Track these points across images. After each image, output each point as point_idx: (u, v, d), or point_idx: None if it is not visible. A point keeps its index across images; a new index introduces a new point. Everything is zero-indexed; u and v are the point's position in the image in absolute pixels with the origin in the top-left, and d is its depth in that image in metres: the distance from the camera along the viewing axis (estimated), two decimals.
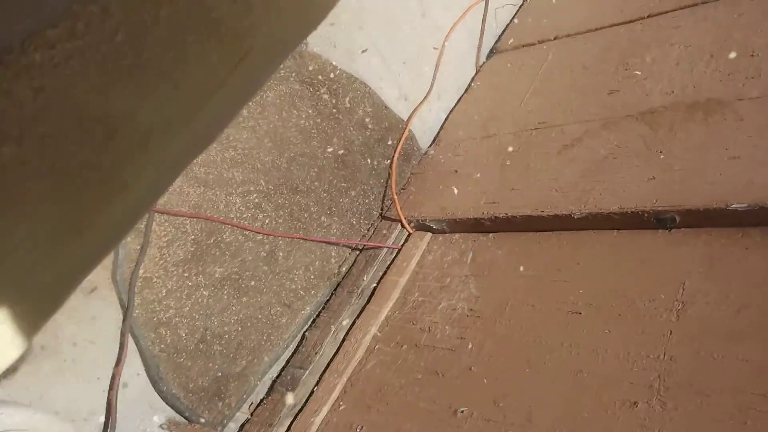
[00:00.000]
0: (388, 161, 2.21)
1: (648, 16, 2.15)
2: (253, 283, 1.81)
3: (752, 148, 1.54)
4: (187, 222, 1.69)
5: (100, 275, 1.61)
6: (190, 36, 0.79)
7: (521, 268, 1.72)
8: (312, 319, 1.92)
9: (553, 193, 1.81)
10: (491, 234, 1.90)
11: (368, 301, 1.92)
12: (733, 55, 1.79)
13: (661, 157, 1.67)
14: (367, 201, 2.13)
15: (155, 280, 1.66)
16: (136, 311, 1.59)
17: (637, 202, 1.60)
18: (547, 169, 1.89)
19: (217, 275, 1.75)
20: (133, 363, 1.61)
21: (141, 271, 1.63)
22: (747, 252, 1.41)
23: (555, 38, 2.35)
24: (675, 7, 2.11)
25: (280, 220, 1.89)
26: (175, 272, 1.68)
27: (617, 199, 1.65)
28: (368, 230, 2.11)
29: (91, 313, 1.57)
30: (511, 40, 2.53)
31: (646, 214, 1.57)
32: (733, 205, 1.43)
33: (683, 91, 1.80)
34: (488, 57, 2.62)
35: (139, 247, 1.60)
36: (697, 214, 1.49)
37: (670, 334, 1.33)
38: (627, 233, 1.62)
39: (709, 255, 1.45)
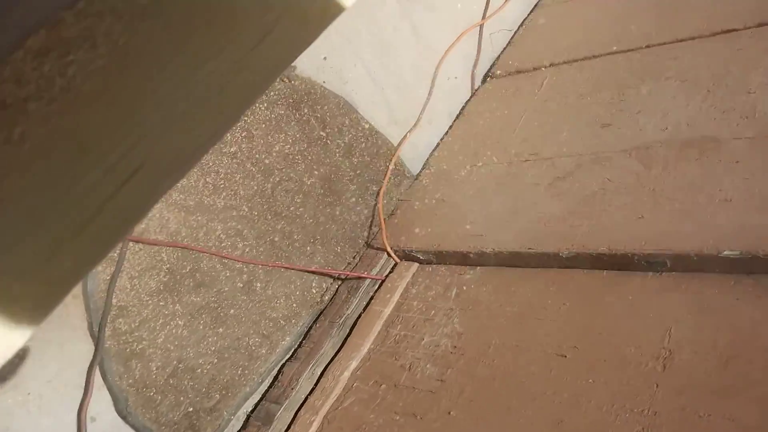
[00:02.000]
0: (376, 188, 2.16)
1: (646, 47, 2.11)
2: (232, 311, 1.76)
3: (746, 191, 1.49)
4: (163, 250, 1.64)
5: (70, 304, 1.56)
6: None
7: (507, 306, 1.67)
8: (291, 351, 1.87)
9: (542, 228, 1.76)
10: (478, 268, 1.84)
11: (350, 333, 1.86)
12: (729, 91, 1.75)
13: (653, 195, 1.62)
14: (353, 228, 2.08)
15: (130, 308, 1.61)
16: (108, 342, 1.54)
17: (626, 243, 1.55)
18: (537, 202, 1.85)
19: (194, 304, 1.70)
20: (102, 396, 1.56)
21: (114, 300, 1.58)
22: (738, 302, 1.35)
23: (550, 65, 2.31)
24: (673, 39, 2.07)
25: (261, 248, 1.84)
26: (150, 301, 1.63)
27: (606, 238, 1.60)
28: (353, 258, 2.06)
29: (59, 343, 1.52)
30: (506, 66, 2.49)
31: (635, 257, 1.52)
32: (725, 252, 1.38)
33: (678, 127, 1.76)
34: (483, 81, 2.58)
35: (109, 277, 1.55)
36: (688, 259, 1.44)
37: (656, 387, 1.28)
38: (616, 274, 1.57)
39: (698, 302, 1.40)
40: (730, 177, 1.54)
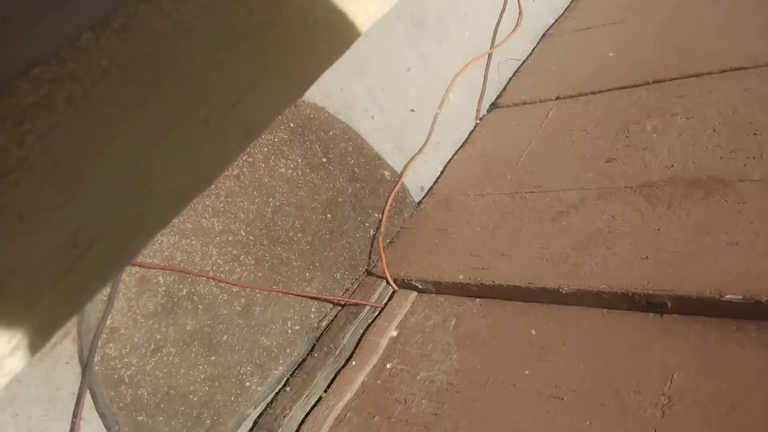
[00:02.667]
0: (378, 214, 2.15)
1: (652, 82, 2.10)
2: (225, 337, 1.73)
3: (752, 234, 1.47)
4: (159, 273, 1.63)
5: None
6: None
7: (506, 342, 1.64)
8: (285, 379, 1.84)
9: (544, 263, 1.73)
10: (477, 299, 1.82)
11: (345, 363, 1.84)
12: (735, 131, 1.73)
13: (657, 235, 1.59)
14: (353, 255, 2.06)
15: (123, 331, 1.59)
16: (96, 367, 1.52)
17: (628, 282, 1.52)
18: (539, 236, 1.82)
19: (188, 328, 1.68)
20: (92, 420, 1.53)
21: (108, 322, 1.56)
22: (741, 348, 1.32)
23: (557, 98, 2.30)
24: (680, 75, 2.06)
25: (260, 273, 1.82)
26: (144, 324, 1.61)
27: (608, 276, 1.58)
28: (352, 284, 2.04)
29: (49, 366, 1.50)
30: (513, 96, 2.49)
31: (636, 297, 1.49)
32: (728, 296, 1.36)
33: (683, 166, 1.74)
34: (489, 110, 2.57)
35: (105, 298, 1.54)
36: (690, 302, 1.41)
37: None
38: (617, 313, 1.54)
39: (700, 347, 1.37)
40: (736, 219, 1.52)
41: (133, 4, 0.58)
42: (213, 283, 1.72)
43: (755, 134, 1.71)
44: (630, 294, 1.50)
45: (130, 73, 0.54)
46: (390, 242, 2.16)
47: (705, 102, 1.92)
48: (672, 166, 1.76)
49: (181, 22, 0.69)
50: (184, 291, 1.67)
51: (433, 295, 1.92)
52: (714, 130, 1.79)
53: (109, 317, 1.54)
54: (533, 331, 1.63)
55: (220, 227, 1.78)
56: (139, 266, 1.60)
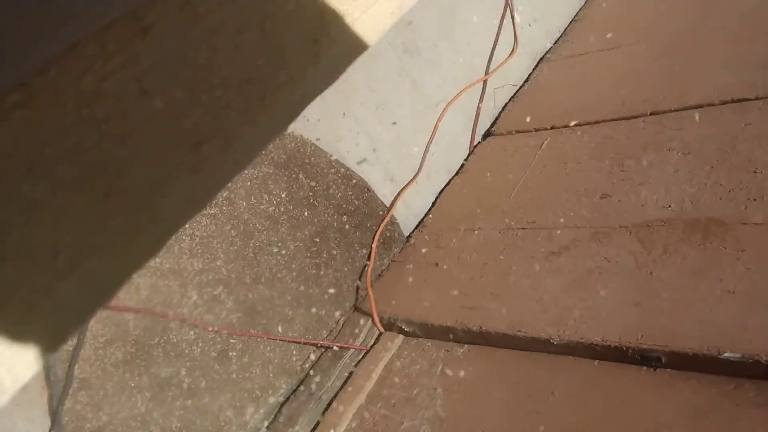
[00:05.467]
0: (366, 249, 2.08)
1: (650, 114, 2.03)
2: (203, 383, 1.67)
3: (750, 283, 1.39)
4: (131, 317, 1.57)
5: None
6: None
7: (493, 391, 1.57)
8: (267, 424, 1.77)
9: (534, 306, 1.66)
10: (465, 345, 1.75)
11: (328, 407, 1.77)
12: (734, 169, 1.66)
13: (651, 281, 1.52)
14: (339, 291, 2.00)
15: (93, 380, 1.53)
16: (65, 418, 1.46)
17: (620, 333, 1.45)
18: (530, 276, 1.75)
19: (162, 375, 1.61)
20: None
21: (77, 371, 1.50)
22: (737, 408, 1.24)
23: (552, 127, 2.23)
24: (679, 107, 1.99)
25: (239, 315, 1.76)
26: (115, 372, 1.55)
27: (600, 325, 1.50)
28: (337, 323, 1.97)
29: (16, 417, 1.44)
30: (507, 124, 2.42)
31: (630, 350, 1.41)
32: (725, 354, 1.28)
33: (681, 206, 1.66)
34: (483, 138, 2.51)
35: (71, 348, 1.48)
36: (685, 357, 1.33)
37: None
38: (608, 365, 1.47)
39: (695, 406, 1.29)
40: (735, 267, 1.44)
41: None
42: (188, 327, 1.66)
43: (755, 173, 1.63)
44: (623, 348, 1.42)
45: None
46: (379, 276, 2.09)
47: (704, 135, 1.84)
48: (669, 206, 1.68)
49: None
50: (158, 336, 1.61)
51: (420, 339, 1.85)
52: (712, 167, 1.71)
53: (77, 366, 1.48)
54: (522, 381, 1.56)
55: (200, 267, 1.72)
56: (109, 309, 1.54)
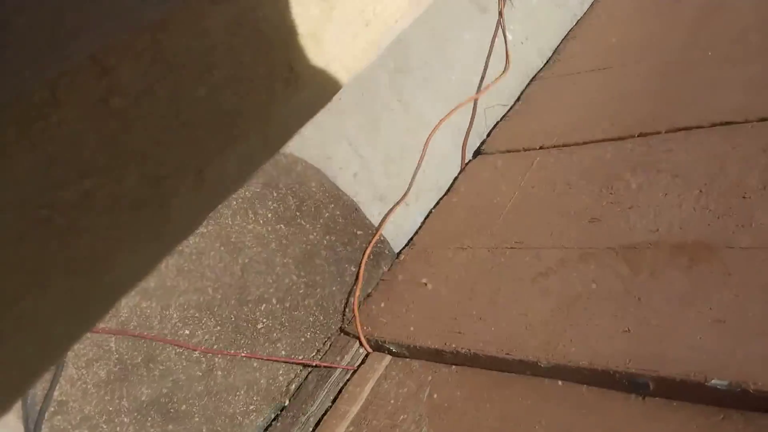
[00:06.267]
0: (354, 268, 2.06)
1: (638, 135, 2.02)
2: (184, 407, 1.64)
3: (738, 309, 1.38)
4: (112, 338, 1.54)
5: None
6: None
7: (480, 417, 1.54)
8: None
9: (522, 330, 1.64)
10: (453, 366, 1.72)
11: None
12: (723, 193, 1.65)
13: (639, 305, 1.50)
14: (326, 311, 1.97)
15: (71, 404, 1.50)
16: None
17: (609, 358, 1.43)
18: (518, 298, 1.74)
19: (143, 398, 1.58)
20: None
21: (56, 393, 1.47)
22: None
23: (540, 147, 2.23)
24: (669, 128, 1.98)
25: (223, 335, 1.73)
26: (95, 394, 1.52)
27: (588, 349, 1.48)
28: (324, 343, 1.94)
29: None
30: (498, 143, 2.42)
31: (618, 375, 1.40)
32: (713, 381, 1.26)
33: (669, 229, 1.65)
34: (474, 156, 2.50)
35: (53, 369, 1.45)
36: (673, 384, 1.32)
37: None
38: (597, 391, 1.45)
39: None
40: (722, 292, 1.43)
41: None
42: (171, 348, 1.63)
43: (743, 197, 1.63)
44: (611, 372, 1.41)
45: None
46: (367, 296, 2.07)
47: (693, 158, 1.84)
48: (657, 229, 1.67)
49: None
50: (140, 357, 1.58)
51: (407, 359, 1.82)
52: (700, 191, 1.71)
53: (57, 388, 1.45)
54: (510, 407, 1.53)
55: (185, 286, 1.70)
56: (91, 331, 1.51)
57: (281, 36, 0.86)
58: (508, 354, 1.59)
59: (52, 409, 1.46)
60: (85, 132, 0.69)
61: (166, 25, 0.68)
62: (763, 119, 1.86)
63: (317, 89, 0.98)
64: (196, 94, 0.81)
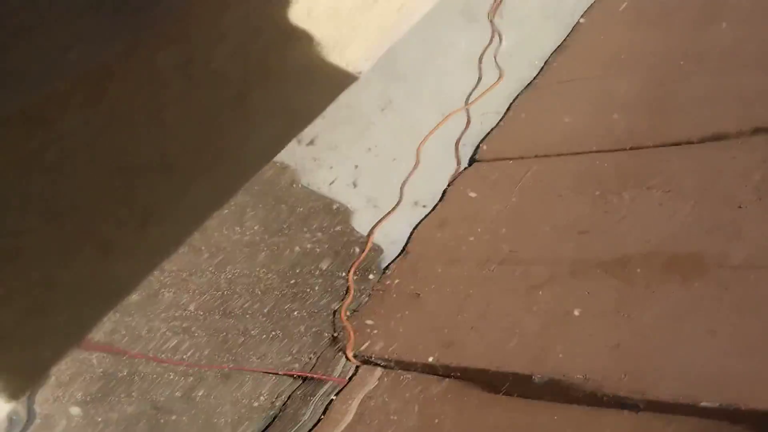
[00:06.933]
0: (344, 279, 2.04)
1: (630, 148, 2.01)
2: (174, 417, 1.61)
3: (731, 327, 1.36)
4: (94, 354, 1.51)
5: None
6: None
7: None
8: None
9: (513, 344, 1.63)
10: (445, 380, 1.70)
11: None
12: (716, 207, 1.64)
13: (630, 321, 1.49)
14: (316, 323, 1.95)
15: (56, 418, 1.47)
16: None
17: (600, 376, 1.42)
18: (510, 311, 1.72)
19: (129, 412, 1.56)
20: None
21: (38, 409, 1.45)
22: None
23: (534, 156, 2.21)
24: (663, 142, 1.97)
25: (210, 348, 1.71)
26: (77, 411, 1.49)
27: (579, 366, 1.47)
28: (313, 356, 1.92)
29: None
30: (491, 152, 2.40)
31: (605, 398, 1.38)
32: (703, 403, 1.25)
33: (662, 242, 1.64)
34: (469, 163, 2.48)
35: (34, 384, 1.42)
36: (664, 406, 1.30)
37: None
38: (587, 409, 1.43)
39: None
40: (714, 308, 1.42)
41: None
42: (156, 363, 1.61)
43: (737, 210, 1.62)
44: (600, 395, 1.39)
45: None
46: (357, 308, 2.04)
47: (686, 170, 1.83)
48: (649, 241, 1.66)
49: None
50: (125, 372, 1.56)
51: (398, 372, 1.80)
52: (695, 204, 1.69)
53: (37, 405, 1.43)
54: (499, 421, 1.52)
55: (171, 298, 1.67)
56: (74, 347, 1.49)
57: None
58: (499, 368, 1.58)
59: (39, 421, 1.44)
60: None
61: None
62: (757, 130, 1.85)
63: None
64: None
